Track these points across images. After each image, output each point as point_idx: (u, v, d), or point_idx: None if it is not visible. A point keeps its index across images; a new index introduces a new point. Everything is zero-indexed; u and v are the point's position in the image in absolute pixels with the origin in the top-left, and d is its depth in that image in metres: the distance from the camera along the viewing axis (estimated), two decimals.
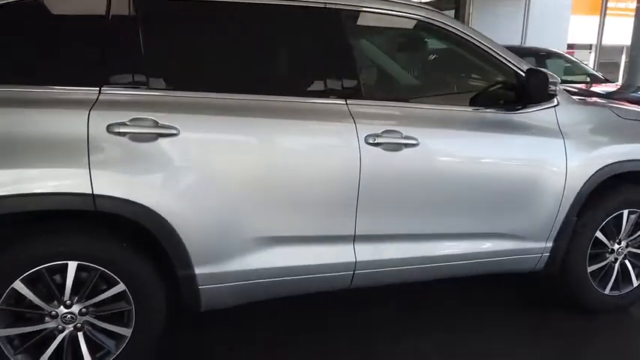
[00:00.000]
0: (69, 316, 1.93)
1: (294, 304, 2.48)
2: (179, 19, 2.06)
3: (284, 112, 2.09)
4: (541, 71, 2.38)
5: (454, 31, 2.38)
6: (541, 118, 2.46)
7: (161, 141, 1.90)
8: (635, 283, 2.78)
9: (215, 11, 2.08)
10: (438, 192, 2.30)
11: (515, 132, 2.43)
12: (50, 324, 1.93)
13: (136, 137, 1.87)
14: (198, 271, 2.03)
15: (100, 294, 1.96)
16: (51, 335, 1.95)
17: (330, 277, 2.26)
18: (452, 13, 7.17)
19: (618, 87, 7.33)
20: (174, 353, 2.35)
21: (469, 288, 2.95)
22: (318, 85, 2.21)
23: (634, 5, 8.26)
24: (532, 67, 2.47)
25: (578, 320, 2.69)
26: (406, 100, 2.36)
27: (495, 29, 6.43)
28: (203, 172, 1.96)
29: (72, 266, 1.88)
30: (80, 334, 1.97)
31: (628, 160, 2.57)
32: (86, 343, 1.98)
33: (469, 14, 7.07)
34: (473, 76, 2.76)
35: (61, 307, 1.92)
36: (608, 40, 11.80)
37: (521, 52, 3.97)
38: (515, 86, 2.46)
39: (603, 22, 11.37)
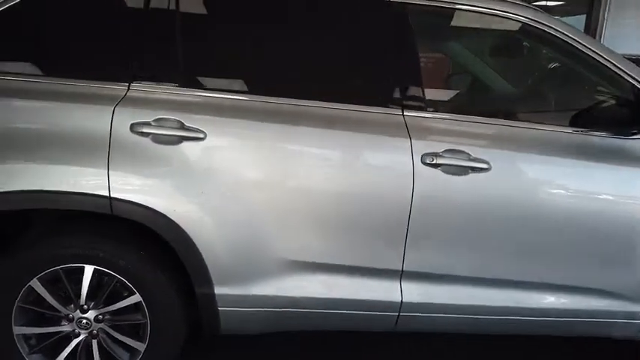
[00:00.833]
0: (84, 321, 1.84)
1: None
2: (221, 14, 1.89)
3: (325, 120, 1.82)
4: None
5: (561, 36, 1.93)
6: None
7: (185, 145, 1.74)
8: None
9: (258, 6, 1.89)
10: (509, 230, 1.87)
11: (627, 163, 1.90)
12: (66, 327, 1.86)
13: (159, 139, 1.72)
14: (218, 290, 1.83)
15: (116, 302, 1.84)
16: (66, 338, 1.87)
17: (371, 315, 1.94)
18: (582, 18, 6.32)
19: None
20: None
21: None
22: (368, 90, 1.91)
23: None
24: None
25: None
26: (481, 115, 1.95)
27: (633, 38, 5.52)
28: (229, 183, 1.76)
29: (88, 270, 1.78)
30: (94, 342, 1.87)
31: None
32: (99, 351, 1.87)
33: (603, 19, 6.18)
34: (578, 88, 2.25)
35: (77, 311, 1.83)
36: None
37: None
38: (631, 103, 1.94)
39: None
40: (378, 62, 1.91)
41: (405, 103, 1.86)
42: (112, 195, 1.70)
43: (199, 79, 1.83)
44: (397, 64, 1.89)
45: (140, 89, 1.77)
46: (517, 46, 2.47)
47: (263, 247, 1.83)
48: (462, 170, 1.81)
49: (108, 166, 1.69)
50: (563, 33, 1.93)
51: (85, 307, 1.84)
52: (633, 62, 1.98)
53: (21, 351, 1.84)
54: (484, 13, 1.94)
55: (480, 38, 2.52)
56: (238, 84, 1.86)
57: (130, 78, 1.77)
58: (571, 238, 1.88)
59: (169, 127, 1.73)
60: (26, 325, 1.83)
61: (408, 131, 1.82)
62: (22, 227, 1.91)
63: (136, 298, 1.83)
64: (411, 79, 1.89)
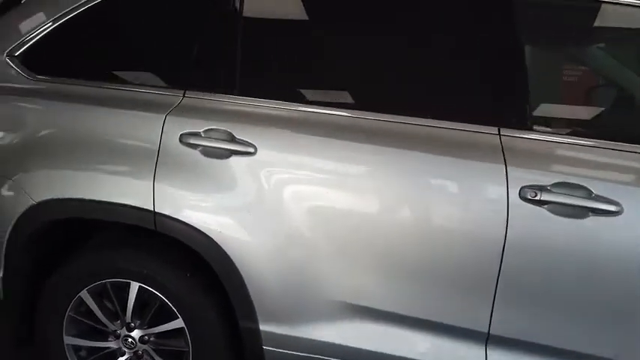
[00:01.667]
0: (130, 339, 1.73)
1: None
2: (284, 19, 1.68)
3: (399, 138, 1.50)
4: None
5: None
6: None
7: (234, 159, 1.54)
8: None
9: (323, 12, 1.64)
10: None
11: None
12: (112, 344, 1.77)
13: (208, 152, 1.55)
14: (263, 327, 1.60)
15: (160, 325, 1.70)
16: (113, 355, 1.78)
17: None
18: None
19: None
20: None
21: None
22: (453, 102, 1.54)
23: None
24: None
25: None
26: (609, 139, 1.45)
27: None
28: (280, 207, 1.53)
29: (134, 287, 1.67)
30: None
31: None
32: None
33: None
34: None
35: (124, 328, 1.73)
36: None
37: None
38: None
39: None
40: (467, 67, 1.53)
41: (501, 119, 1.46)
42: (156, 210, 1.56)
43: (257, 88, 1.63)
44: (493, 70, 1.49)
45: (195, 97, 1.63)
46: None
47: (318, 285, 1.56)
48: (578, 211, 1.35)
49: (154, 178, 1.56)
50: None
51: (132, 325, 1.73)
52: None
53: None
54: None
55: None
56: (300, 95, 1.63)
57: (185, 85, 1.63)
58: None
59: (219, 139, 1.55)
60: (76, 337, 1.78)
61: (503, 155, 1.41)
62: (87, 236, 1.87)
63: (179, 323, 1.67)
64: (513, 89, 1.48)
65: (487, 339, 1.48)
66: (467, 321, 1.48)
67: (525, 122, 1.47)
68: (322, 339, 1.59)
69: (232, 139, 1.55)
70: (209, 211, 1.56)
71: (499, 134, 1.46)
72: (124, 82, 1.68)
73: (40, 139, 1.67)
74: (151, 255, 1.67)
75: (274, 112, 1.58)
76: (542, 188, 1.37)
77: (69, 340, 1.77)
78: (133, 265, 1.66)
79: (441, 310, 1.51)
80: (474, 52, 1.54)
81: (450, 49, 1.57)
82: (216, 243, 1.55)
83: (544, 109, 1.57)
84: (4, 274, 1.74)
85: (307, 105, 1.59)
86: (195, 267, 1.65)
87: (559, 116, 1.66)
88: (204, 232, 1.55)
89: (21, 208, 1.65)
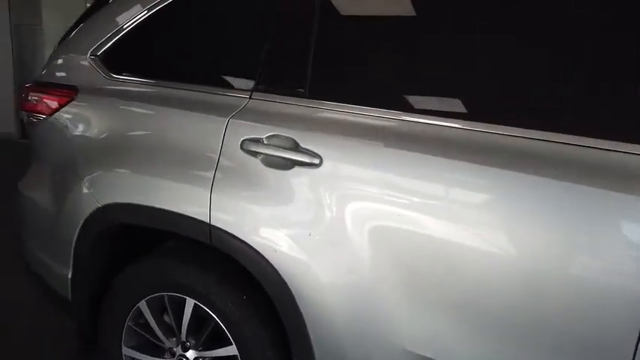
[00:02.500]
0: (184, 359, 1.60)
1: None
2: (372, 11, 1.43)
3: (495, 153, 1.17)
4: None
5: None
6: None
7: (297, 171, 1.33)
8: None
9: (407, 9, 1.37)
10: None
11: None
12: None
13: (270, 161, 1.37)
14: None
15: (215, 349, 1.55)
16: None
17: None
18: None
19: None
20: None
21: None
22: (573, 111, 1.17)
23: None
24: None
25: None
26: None
27: None
28: (346, 232, 1.28)
29: (189, 304, 1.54)
30: None
31: None
32: None
33: None
34: None
35: (179, 347, 1.61)
36: None
37: None
38: None
39: None
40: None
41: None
42: (211, 222, 1.41)
43: (332, 91, 1.41)
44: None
45: (262, 99, 1.45)
46: None
47: (389, 330, 1.29)
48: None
49: (212, 186, 1.41)
50: None
51: (187, 344, 1.59)
52: None
53: None
54: None
55: None
56: (384, 99, 1.37)
57: (253, 87, 1.47)
58: None
59: (281, 147, 1.35)
60: (134, 349, 1.69)
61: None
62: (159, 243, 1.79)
63: (233, 350, 1.50)
64: None
65: None
66: None
67: None
68: None
69: (296, 148, 1.34)
70: (265, 228, 1.36)
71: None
72: (194, 82, 1.56)
73: (108, 141, 1.61)
74: (206, 271, 1.51)
75: (347, 118, 1.35)
76: None
77: (127, 351, 1.69)
78: (187, 280, 1.52)
79: None
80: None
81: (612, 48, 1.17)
82: (272, 265, 1.35)
83: None
84: (72, 275, 1.71)
85: (392, 111, 1.33)
86: (253, 290, 1.46)
87: None
88: (258, 249, 1.36)
89: (88, 210, 1.61)
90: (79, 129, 1.69)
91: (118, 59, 1.68)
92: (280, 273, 1.34)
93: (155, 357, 1.67)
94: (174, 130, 1.51)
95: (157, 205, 1.48)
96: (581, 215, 1.10)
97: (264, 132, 1.39)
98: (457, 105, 1.29)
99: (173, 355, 1.64)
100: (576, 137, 1.13)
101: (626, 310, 1.06)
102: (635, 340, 1.04)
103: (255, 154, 1.38)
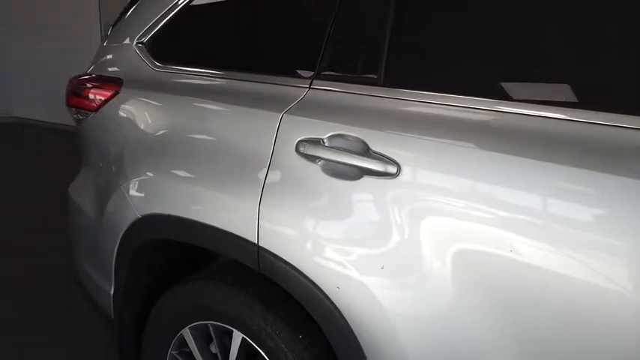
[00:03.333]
0: None
1: None
2: None
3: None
4: None
5: None
6: None
7: (366, 182, 1.01)
8: None
9: None
10: None
11: None
12: None
13: (331, 168, 1.05)
14: None
15: None
16: None
17: None
18: None
19: None
20: None
21: None
22: None
23: None
24: None
25: None
26: None
27: None
28: (435, 266, 0.94)
29: (237, 337, 1.27)
30: None
31: None
32: None
33: None
34: None
35: None
36: None
37: None
38: None
39: None
40: None
41: None
42: (259, 243, 1.12)
43: (413, 78, 1.06)
44: None
45: (324, 89, 1.14)
46: None
47: None
48: None
49: (260, 198, 1.12)
50: None
51: None
52: None
53: None
54: None
55: None
56: (483, 86, 1.00)
57: (314, 74, 1.16)
58: None
59: (347, 151, 1.03)
60: None
61: None
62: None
63: None
64: None
65: None
66: None
67: None
68: None
69: (366, 152, 1.01)
70: (325, 255, 1.06)
71: None
72: (244, 70, 1.29)
73: (146, 141, 1.39)
74: (256, 301, 1.23)
75: (434, 112, 1.00)
76: None
77: None
78: (233, 311, 1.25)
79: None
80: None
81: None
82: (334, 305, 1.04)
83: None
84: (114, 292, 1.51)
85: (490, 101, 0.96)
86: (311, 330, 1.16)
87: None
88: (317, 284, 1.05)
89: (128, 221, 1.40)
90: (121, 126, 1.49)
91: (163, 46, 1.46)
92: (345, 316, 1.03)
93: None
94: (218, 127, 1.24)
95: (198, 219, 1.22)
96: None
97: (325, 131, 1.08)
98: (579, 92, 0.90)
99: None
100: None
101: None
102: None
103: (313, 158, 1.08)
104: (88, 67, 1.73)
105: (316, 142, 1.08)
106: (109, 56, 1.62)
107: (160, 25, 1.47)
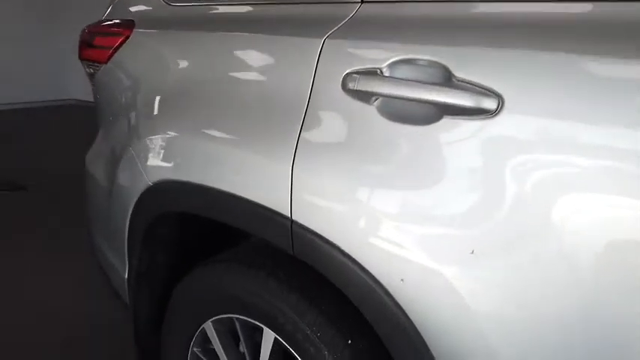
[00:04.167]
0: None
1: None
2: None
3: None
4: None
5: None
6: None
7: (448, 125, 0.68)
8: None
9: None
10: None
11: None
12: None
13: (395, 108, 0.73)
14: None
15: None
16: None
17: None
18: None
19: None
20: None
21: None
22: None
23: None
24: None
25: None
26: None
27: None
28: (551, 246, 0.60)
29: (268, 336, 0.99)
30: None
31: None
32: None
33: None
34: None
35: None
36: None
37: None
38: None
39: None
40: None
41: None
42: (293, 216, 0.82)
43: None
44: None
45: (382, 0, 0.81)
46: None
47: None
48: None
49: (294, 156, 0.82)
50: None
51: None
52: None
53: None
54: None
55: None
56: None
57: None
58: None
59: (417, 83, 0.70)
60: None
61: None
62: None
63: None
64: None
65: None
66: None
67: None
68: None
69: (447, 81, 0.68)
70: (386, 236, 0.74)
71: None
72: None
73: (159, 89, 1.11)
74: (290, 292, 0.94)
75: (558, 13, 0.65)
76: None
77: None
78: (263, 303, 0.96)
79: None
80: None
81: None
82: (397, 303, 0.73)
83: None
84: (128, 275, 1.27)
85: None
86: (366, 334, 0.86)
87: None
88: (374, 274, 0.74)
89: (138, 191, 1.14)
90: (132, 76, 1.22)
91: None
92: (412, 320, 0.71)
93: None
94: (242, 66, 0.94)
95: (216, 186, 0.93)
96: None
97: (385, 56, 0.75)
98: None
99: None
100: None
101: None
102: None
103: (368, 96, 0.76)
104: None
105: (372, 74, 0.75)
106: None
107: None
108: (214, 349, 1.15)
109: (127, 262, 1.27)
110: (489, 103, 0.64)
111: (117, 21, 1.32)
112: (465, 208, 0.68)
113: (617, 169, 0.57)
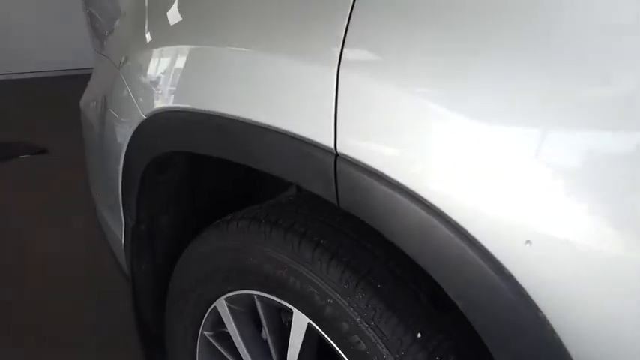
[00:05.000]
0: None
1: None
2: None
3: None
4: None
5: None
6: None
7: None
8: None
9: None
10: None
11: None
12: None
13: None
14: None
15: None
16: None
17: None
18: None
19: None
20: None
21: None
22: None
23: None
24: None
25: None
26: None
27: None
28: None
29: (300, 321, 0.72)
30: None
31: None
32: None
33: None
34: None
35: None
36: None
37: None
38: None
39: None
40: None
41: None
42: (339, 149, 0.53)
43: None
44: None
45: None
46: None
47: None
48: None
49: (338, 67, 0.52)
50: None
51: None
52: None
53: None
54: None
55: None
56: None
57: None
58: None
59: None
60: None
61: None
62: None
63: None
64: None
65: None
66: None
67: None
68: None
69: None
70: (489, 176, 0.44)
71: None
72: None
73: None
74: (332, 262, 0.66)
75: None
76: None
77: None
78: (293, 277, 0.68)
79: None
80: None
81: None
82: (513, 279, 0.43)
83: None
84: (125, 239, 1.01)
85: None
86: (444, 327, 0.58)
87: None
88: (471, 233, 0.45)
89: (131, 127, 0.87)
90: None
91: None
92: (539, 306, 0.42)
93: None
94: None
95: (227, 112, 0.65)
96: None
97: None
98: None
99: None
100: None
101: None
102: None
103: None
104: None
105: None
106: None
107: None
108: (229, 333, 0.89)
109: (122, 222, 1.01)
110: None
111: None
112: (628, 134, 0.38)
113: None
